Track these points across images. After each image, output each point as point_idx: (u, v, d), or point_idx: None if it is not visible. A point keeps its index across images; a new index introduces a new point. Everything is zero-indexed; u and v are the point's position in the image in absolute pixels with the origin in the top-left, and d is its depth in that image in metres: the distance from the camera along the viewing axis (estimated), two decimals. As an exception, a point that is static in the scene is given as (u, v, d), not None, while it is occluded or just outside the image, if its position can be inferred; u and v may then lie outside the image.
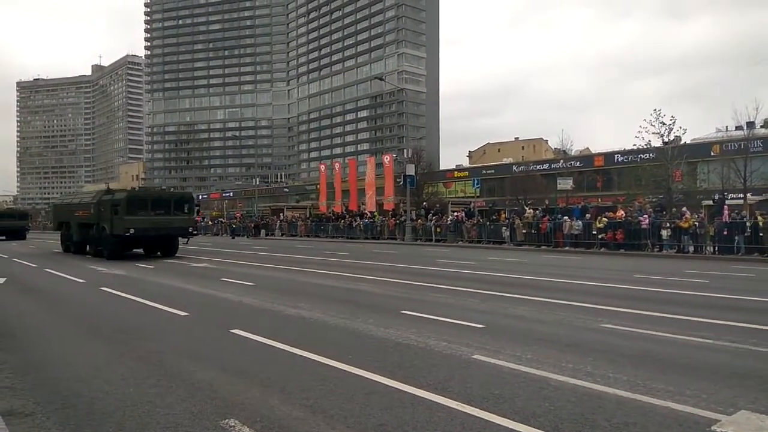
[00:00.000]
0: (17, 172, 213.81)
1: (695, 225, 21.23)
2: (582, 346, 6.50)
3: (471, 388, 4.93)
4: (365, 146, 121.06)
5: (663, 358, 5.97)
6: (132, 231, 20.16)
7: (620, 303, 9.59)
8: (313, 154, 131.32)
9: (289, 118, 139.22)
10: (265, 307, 9.73)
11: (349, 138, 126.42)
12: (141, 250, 23.07)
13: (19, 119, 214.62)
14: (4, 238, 42.99)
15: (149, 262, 19.51)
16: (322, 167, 56.40)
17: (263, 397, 4.82)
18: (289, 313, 9.04)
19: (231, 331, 7.51)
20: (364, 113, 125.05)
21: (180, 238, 23.05)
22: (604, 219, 23.81)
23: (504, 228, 27.64)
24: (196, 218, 27.62)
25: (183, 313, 9.05)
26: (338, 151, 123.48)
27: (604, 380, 5.12)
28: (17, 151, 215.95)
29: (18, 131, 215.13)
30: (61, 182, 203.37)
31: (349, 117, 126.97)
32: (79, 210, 24.07)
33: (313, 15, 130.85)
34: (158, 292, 11.80)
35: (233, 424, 4.17)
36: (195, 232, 24.27)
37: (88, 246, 23.28)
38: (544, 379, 5.19)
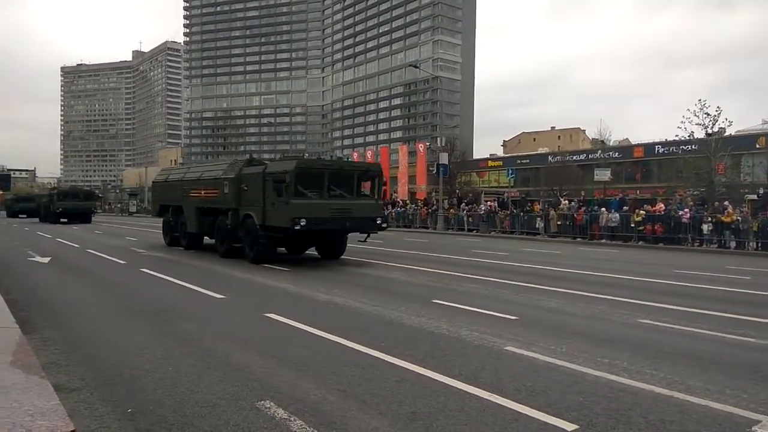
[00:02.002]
0: (61, 155, 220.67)
1: (738, 220, 20.60)
2: (618, 341, 6.40)
3: (503, 380, 4.92)
4: (398, 134, 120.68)
5: (702, 356, 5.84)
6: (303, 223, 12.78)
7: (658, 298, 9.38)
8: (347, 142, 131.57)
9: (323, 105, 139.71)
10: (299, 292, 9.86)
11: (383, 126, 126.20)
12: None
13: (63, 103, 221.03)
14: (65, 220, 38.31)
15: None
16: (355, 155, 56.57)
17: (297, 380, 4.90)
18: (323, 299, 9.14)
19: (266, 315, 7.64)
20: (397, 101, 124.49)
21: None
22: (643, 212, 23.29)
23: (538, 219, 27.30)
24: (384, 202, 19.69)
25: (219, 296, 9.25)
26: (371, 138, 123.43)
27: (641, 376, 5.04)
28: (61, 135, 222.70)
29: (62, 115, 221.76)
30: (103, 165, 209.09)
31: (382, 105, 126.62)
32: (199, 188, 16.85)
33: (348, 1, 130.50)
34: (195, 274, 12.07)
35: (269, 405, 4.26)
36: (385, 225, 15.61)
37: (214, 240, 16.50)
38: (579, 373, 5.14)
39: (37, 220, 43.09)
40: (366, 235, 15.11)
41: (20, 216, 50.53)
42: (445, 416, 4.08)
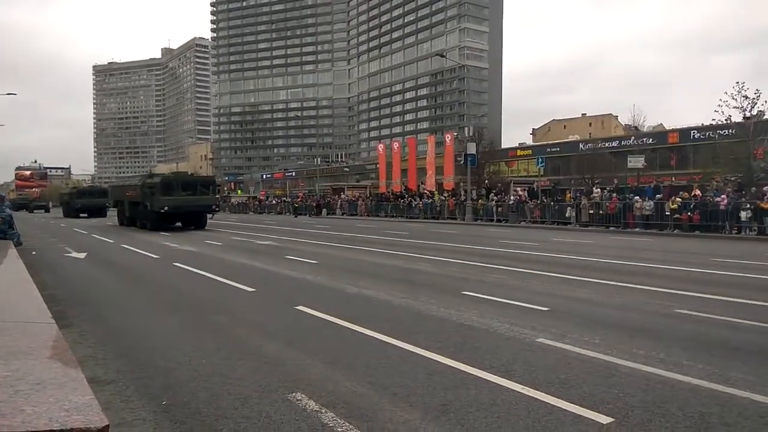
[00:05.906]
0: (94, 152, 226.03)
1: (779, 206, 19.88)
2: (654, 332, 6.25)
3: (535, 372, 4.85)
4: (425, 125, 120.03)
5: (742, 347, 5.65)
6: None
7: (695, 287, 9.12)
8: (373, 134, 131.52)
9: (349, 98, 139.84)
10: (328, 284, 9.90)
11: (409, 116, 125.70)
12: None
13: (95, 102, 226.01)
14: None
15: (217, 239, 20.23)
16: (381, 147, 56.48)
17: (328, 372, 4.92)
18: (351, 291, 9.16)
19: (296, 307, 7.69)
20: (424, 91, 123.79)
21: None
22: (678, 199, 22.70)
23: (569, 208, 26.85)
24: None
25: (250, 289, 9.35)
26: (398, 130, 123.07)
27: (678, 368, 4.90)
28: (94, 132, 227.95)
29: (94, 113, 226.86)
30: (135, 162, 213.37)
31: (408, 95, 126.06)
32: None
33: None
34: (226, 268, 12.22)
35: (300, 397, 4.28)
36: None
37: None
38: (613, 365, 5.03)
39: (106, 220, 34.23)
40: None
41: (81, 216, 39.69)
42: (477, 409, 4.04)
